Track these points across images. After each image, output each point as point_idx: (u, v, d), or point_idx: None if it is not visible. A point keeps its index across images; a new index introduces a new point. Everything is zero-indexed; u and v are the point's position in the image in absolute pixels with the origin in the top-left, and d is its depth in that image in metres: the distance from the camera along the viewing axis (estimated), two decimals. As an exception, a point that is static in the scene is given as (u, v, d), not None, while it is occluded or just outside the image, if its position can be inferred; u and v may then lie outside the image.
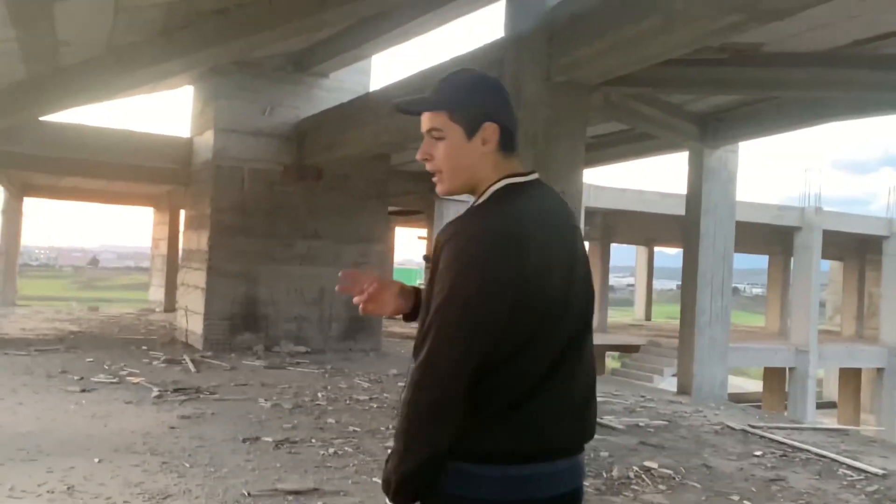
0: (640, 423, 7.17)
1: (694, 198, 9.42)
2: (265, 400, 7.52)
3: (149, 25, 8.38)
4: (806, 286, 19.93)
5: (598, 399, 8.41)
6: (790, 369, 20.57)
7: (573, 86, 6.61)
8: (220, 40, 8.24)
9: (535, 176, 1.62)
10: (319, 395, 8.02)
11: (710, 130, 9.14)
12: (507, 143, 1.62)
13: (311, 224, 11.80)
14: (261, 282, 11.70)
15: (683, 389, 9.58)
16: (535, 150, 6.67)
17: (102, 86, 9.34)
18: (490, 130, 1.59)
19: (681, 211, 19.30)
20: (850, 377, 23.67)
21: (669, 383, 18.67)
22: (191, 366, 9.58)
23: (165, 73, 9.08)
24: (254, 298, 11.72)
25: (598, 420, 1.72)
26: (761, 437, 6.90)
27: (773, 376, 23.05)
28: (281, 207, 11.68)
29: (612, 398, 8.64)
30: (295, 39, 10.88)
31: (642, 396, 8.97)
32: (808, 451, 6.31)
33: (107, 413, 6.61)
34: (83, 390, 7.59)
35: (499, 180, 1.59)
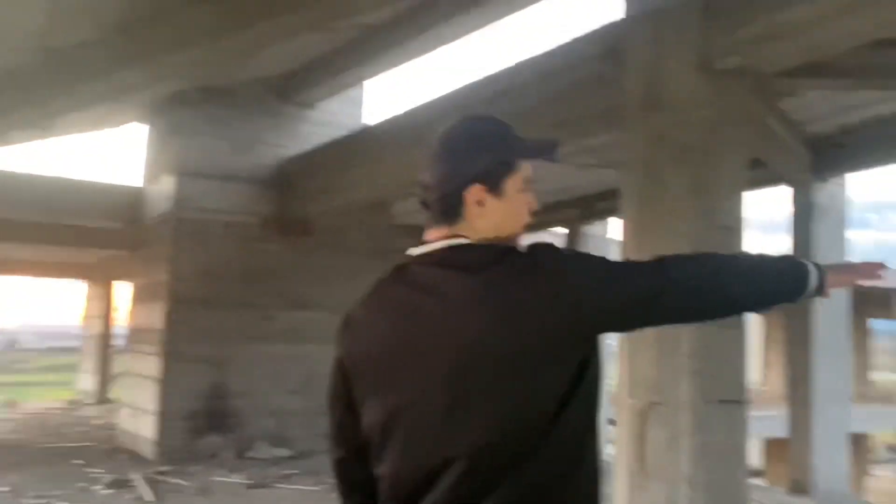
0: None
1: (801, 244, 7.42)
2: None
3: (101, 17, 6.04)
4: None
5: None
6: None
7: (747, 74, 4.53)
8: (198, 36, 5.94)
9: (421, 249, 1.46)
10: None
11: (825, 158, 7.23)
12: None
13: (298, 291, 9.37)
14: (232, 367, 9.15)
15: (800, 487, 7.41)
16: (688, 169, 4.54)
17: (31, 108, 6.90)
18: None
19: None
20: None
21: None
22: (146, 490, 6.93)
23: (120, 87, 6.66)
24: (222, 389, 9.14)
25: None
26: None
27: (776, 446, 20.67)
28: (259, 271, 9.23)
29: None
30: (277, 62, 8.72)
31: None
32: None
33: None
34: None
35: None
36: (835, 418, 7.56)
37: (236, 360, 9.17)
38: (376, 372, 1.40)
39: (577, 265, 1.36)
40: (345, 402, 1.46)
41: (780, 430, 16.95)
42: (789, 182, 7.48)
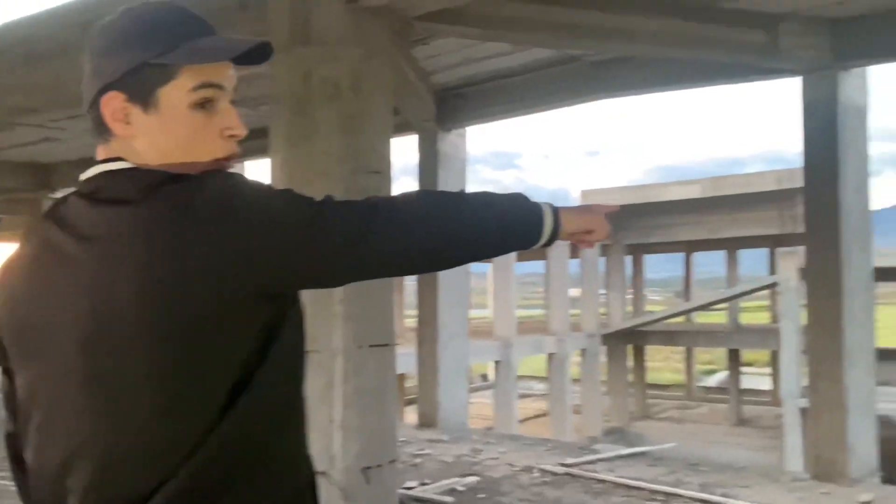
0: (459, 487, 5.40)
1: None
2: None
3: None
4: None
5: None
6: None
7: (390, 15, 4.55)
8: None
9: (84, 174, 1.12)
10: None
11: (448, 109, 7.68)
12: None
13: None
14: None
15: (428, 421, 7.97)
16: (337, 107, 4.46)
17: None
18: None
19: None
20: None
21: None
22: None
23: None
24: None
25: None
26: (598, 481, 5.55)
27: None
28: None
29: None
30: None
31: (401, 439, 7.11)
32: (691, 498, 5.15)
33: None
34: None
35: None
36: (456, 355, 8.16)
37: None
38: (20, 336, 1.12)
39: (255, 203, 1.05)
40: (3, 368, 1.19)
41: (399, 367, 18.25)
42: (417, 130, 7.85)
